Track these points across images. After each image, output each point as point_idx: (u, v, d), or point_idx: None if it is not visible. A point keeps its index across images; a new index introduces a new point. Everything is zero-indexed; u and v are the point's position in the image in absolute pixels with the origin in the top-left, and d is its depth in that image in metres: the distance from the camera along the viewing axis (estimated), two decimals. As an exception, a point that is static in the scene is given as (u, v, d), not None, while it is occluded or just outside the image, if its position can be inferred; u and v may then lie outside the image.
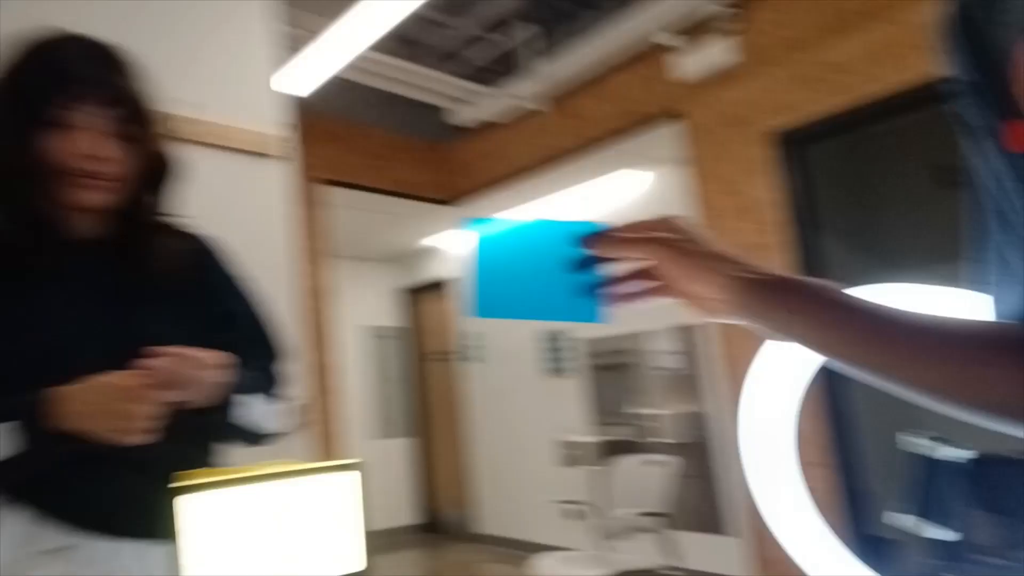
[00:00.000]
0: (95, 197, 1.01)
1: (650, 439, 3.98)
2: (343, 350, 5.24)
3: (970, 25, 0.51)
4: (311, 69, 3.74)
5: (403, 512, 6.29)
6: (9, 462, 0.87)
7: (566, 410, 4.64)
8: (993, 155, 0.49)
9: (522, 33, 4.27)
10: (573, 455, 4.29)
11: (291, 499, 0.56)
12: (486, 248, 0.65)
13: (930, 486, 0.50)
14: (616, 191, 4.37)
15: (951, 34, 0.53)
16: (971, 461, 0.52)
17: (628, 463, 3.53)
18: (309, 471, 0.57)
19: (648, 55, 4.04)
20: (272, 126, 2.16)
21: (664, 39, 3.85)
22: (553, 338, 4.72)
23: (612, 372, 4.37)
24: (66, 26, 1.06)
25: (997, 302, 0.54)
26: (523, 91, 4.49)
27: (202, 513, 0.52)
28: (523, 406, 5.00)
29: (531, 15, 4.18)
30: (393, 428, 6.41)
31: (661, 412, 3.96)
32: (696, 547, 3.59)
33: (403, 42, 4.25)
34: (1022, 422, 0.50)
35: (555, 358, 4.72)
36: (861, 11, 3.18)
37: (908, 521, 0.54)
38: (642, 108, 4.13)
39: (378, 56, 4.00)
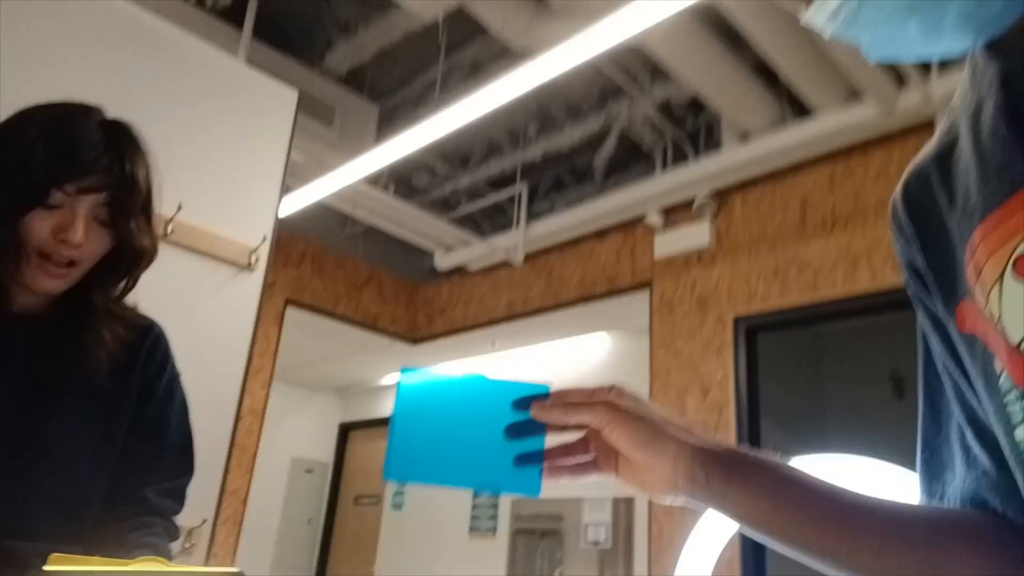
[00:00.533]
0: (53, 284, 0.96)
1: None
2: (263, 479, 4.93)
3: (918, 210, 0.54)
4: (300, 192, 3.84)
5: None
6: None
7: (482, 570, 4.38)
8: (949, 337, 0.51)
9: (512, 190, 4.49)
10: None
11: None
12: (406, 400, 0.60)
13: None
14: (578, 352, 4.42)
15: (903, 219, 0.55)
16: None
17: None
18: (185, 574, 0.53)
19: (627, 227, 4.24)
20: (253, 239, 2.17)
21: (645, 215, 4.06)
22: (476, 497, 4.56)
23: (536, 537, 4.20)
24: (79, 94, 1.04)
25: (946, 484, 0.54)
26: (503, 244, 4.64)
27: None
28: (437, 563, 4.72)
29: (526, 174, 4.42)
30: (291, 569, 5.89)
31: None
32: None
33: (391, 177, 4.43)
34: None
35: (478, 516, 4.54)
36: (826, 219, 3.42)
37: None
38: (613, 275, 4.28)
39: (367, 189, 4.14)
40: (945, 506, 0.55)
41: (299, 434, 6.07)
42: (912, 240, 0.55)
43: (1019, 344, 0.43)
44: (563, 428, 0.61)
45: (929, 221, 0.53)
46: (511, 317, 4.73)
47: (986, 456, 0.50)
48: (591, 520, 3.93)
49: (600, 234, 4.39)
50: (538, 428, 0.60)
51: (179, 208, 1.94)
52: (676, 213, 4.03)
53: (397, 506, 5.13)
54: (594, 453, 0.62)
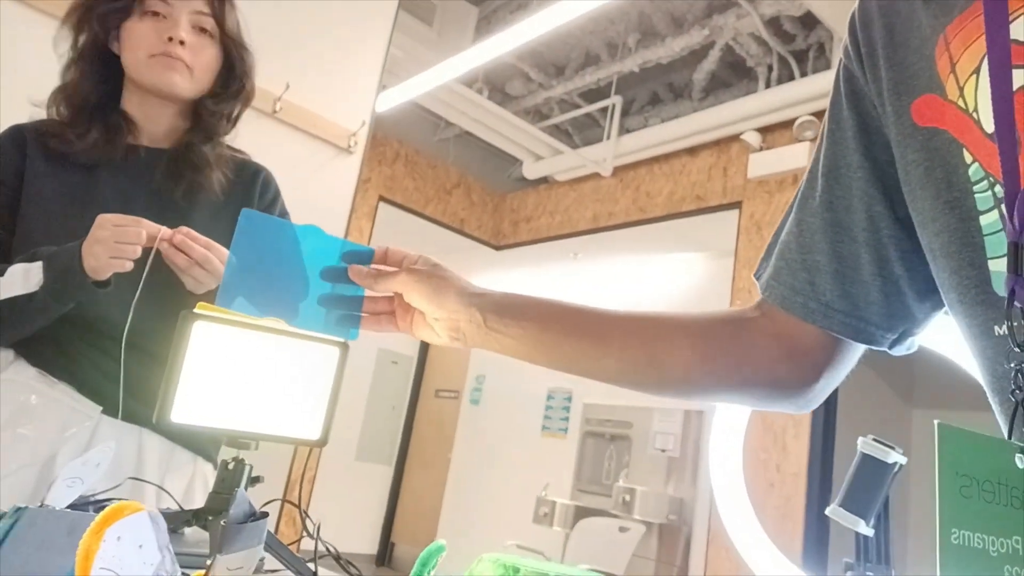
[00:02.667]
0: (176, 78, 1.10)
1: (627, 513, 3.92)
2: (351, 366, 5.25)
3: (889, 8, 0.55)
4: (396, 89, 3.93)
5: (356, 539, 6.11)
6: (32, 296, 0.94)
7: (549, 469, 4.59)
8: (901, 130, 0.53)
9: (606, 103, 4.45)
10: (546, 513, 4.24)
11: (280, 356, 0.62)
12: (245, 233, 0.65)
13: (874, 487, 0.54)
14: (663, 270, 4.43)
15: (860, 23, 0.57)
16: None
17: (596, 524, 3.49)
18: (301, 335, 0.64)
19: (721, 144, 4.15)
20: (352, 124, 2.29)
21: (741, 132, 3.96)
22: (552, 396, 4.72)
23: (605, 440, 4.35)
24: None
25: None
26: (593, 155, 4.63)
27: (207, 341, 0.59)
28: (508, 457, 4.97)
29: (621, 87, 4.36)
30: (375, 454, 6.32)
31: (644, 488, 3.92)
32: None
33: (486, 83, 4.46)
34: (692, 397, 0.68)
35: (550, 416, 4.71)
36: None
37: (850, 519, 0.57)
38: (703, 192, 4.22)
39: (462, 91, 4.19)
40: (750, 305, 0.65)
41: (384, 329, 6.43)
42: (866, 44, 0.56)
43: (992, 133, 0.44)
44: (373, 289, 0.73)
45: (897, 18, 0.54)
46: (595, 230, 4.76)
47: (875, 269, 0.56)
48: (660, 429, 4.04)
49: (692, 150, 4.31)
50: (354, 282, 0.71)
51: (287, 87, 2.06)
52: (775, 133, 3.90)
53: (475, 401, 5.40)
54: (393, 308, 0.74)
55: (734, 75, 4.10)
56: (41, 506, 0.32)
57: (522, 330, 0.68)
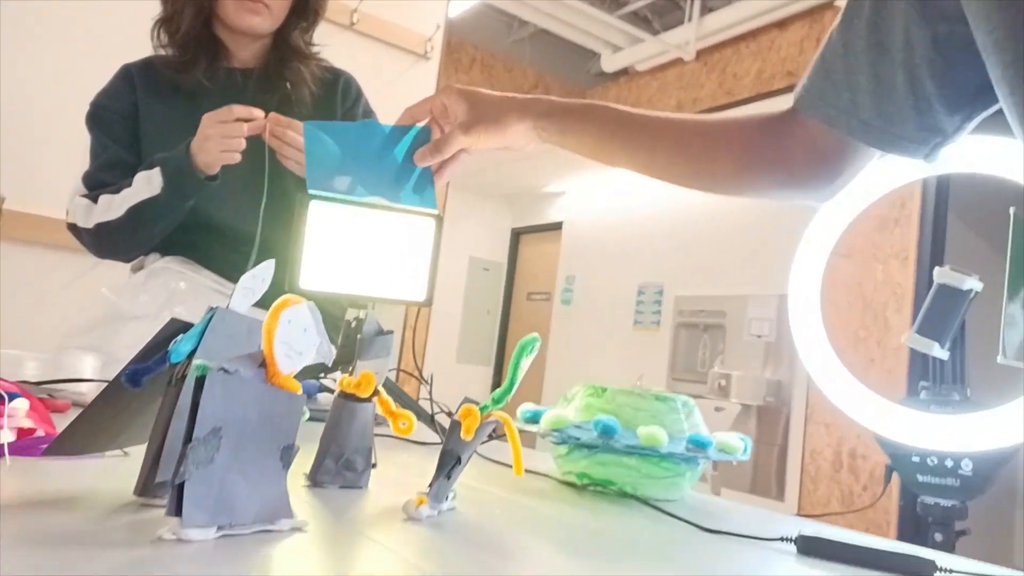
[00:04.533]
0: (256, 20, 1.21)
1: (723, 397, 3.97)
2: (445, 275, 5.44)
3: None
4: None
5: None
6: (157, 198, 1.11)
7: (644, 361, 4.67)
8: None
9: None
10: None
11: (384, 229, 0.70)
12: (314, 138, 0.73)
13: (949, 314, 0.58)
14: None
15: None
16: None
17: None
18: (401, 210, 0.72)
19: (813, 14, 3.89)
20: (427, 29, 2.31)
21: None
22: (642, 291, 4.74)
23: (699, 331, 4.36)
24: None
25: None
26: (674, 40, 4.44)
27: (322, 218, 0.67)
28: (602, 352, 5.06)
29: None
30: (475, 355, 6.58)
31: (739, 373, 3.94)
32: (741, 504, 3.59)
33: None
34: (728, 195, 0.78)
35: (642, 311, 4.74)
36: None
37: (924, 343, 0.61)
38: (794, 68, 4.00)
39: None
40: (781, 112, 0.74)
41: (475, 236, 6.57)
42: None
43: None
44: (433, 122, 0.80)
45: None
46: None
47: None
48: (755, 315, 4.02)
49: (782, 24, 4.06)
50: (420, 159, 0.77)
51: (362, -2, 2.10)
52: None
53: (566, 301, 5.50)
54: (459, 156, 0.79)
55: (825, -65, 3.78)
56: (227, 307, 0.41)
57: (578, 143, 0.79)
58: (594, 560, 0.49)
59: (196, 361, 0.36)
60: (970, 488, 1.15)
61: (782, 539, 0.57)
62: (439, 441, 0.82)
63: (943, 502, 1.15)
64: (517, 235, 6.80)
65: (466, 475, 0.62)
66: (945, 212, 3.25)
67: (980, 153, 1.31)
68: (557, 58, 5.06)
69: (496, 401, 0.51)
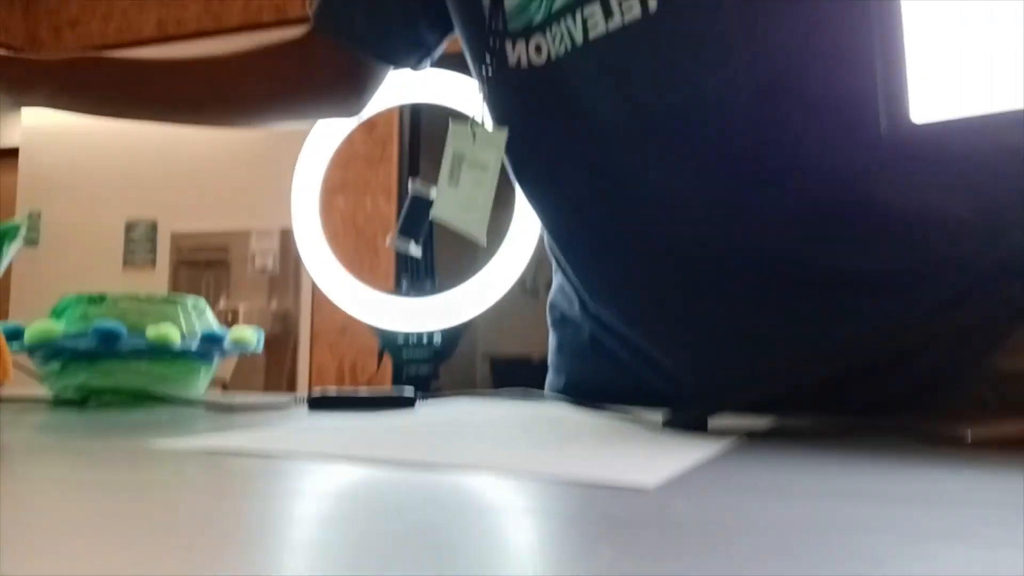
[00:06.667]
0: None
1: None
2: None
3: None
4: None
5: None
6: None
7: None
8: None
9: None
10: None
11: None
12: None
13: (422, 218, 0.74)
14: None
15: None
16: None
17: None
18: None
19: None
20: None
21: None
22: (132, 228, 4.36)
23: (199, 267, 4.26)
24: None
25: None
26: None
27: None
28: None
29: None
30: None
31: (247, 307, 4.03)
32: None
33: None
34: (270, 122, 0.80)
35: (133, 250, 4.37)
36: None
37: (404, 243, 0.77)
38: (281, 3, 4.03)
39: None
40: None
41: None
42: None
43: None
44: None
45: None
46: (161, 39, 4.25)
47: None
48: (258, 249, 4.05)
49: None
50: None
51: None
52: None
53: (31, 241, 4.59)
54: None
55: None
56: None
57: (73, 103, 0.75)
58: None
59: None
60: (441, 354, 1.52)
61: (295, 399, 0.65)
62: None
63: (423, 370, 1.50)
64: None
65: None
66: (419, 152, 3.76)
67: (445, 86, 1.60)
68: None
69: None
